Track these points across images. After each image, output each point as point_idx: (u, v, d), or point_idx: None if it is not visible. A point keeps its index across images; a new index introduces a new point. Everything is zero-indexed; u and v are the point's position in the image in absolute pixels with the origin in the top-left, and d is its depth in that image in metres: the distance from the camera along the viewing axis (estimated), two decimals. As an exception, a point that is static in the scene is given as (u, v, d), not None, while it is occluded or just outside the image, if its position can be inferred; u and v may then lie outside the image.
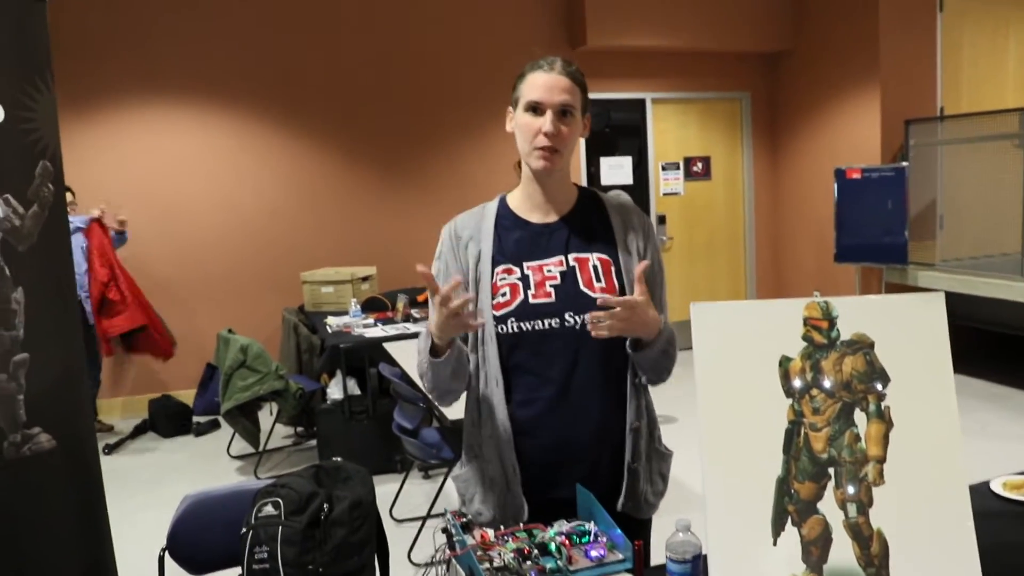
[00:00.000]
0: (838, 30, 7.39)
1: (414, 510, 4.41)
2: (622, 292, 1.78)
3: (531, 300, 1.77)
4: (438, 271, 1.89)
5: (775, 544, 1.49)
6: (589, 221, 1.86)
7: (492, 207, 1.91)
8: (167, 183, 6.62)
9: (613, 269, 1.81)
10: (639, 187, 7.96)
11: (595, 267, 1.80)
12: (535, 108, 1.77)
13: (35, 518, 2.36)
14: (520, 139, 1.80)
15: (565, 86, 1.76)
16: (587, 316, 1.65)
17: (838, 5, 7.36)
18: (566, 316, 1.76)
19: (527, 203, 1.88)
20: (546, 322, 1.76)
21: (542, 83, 1.77)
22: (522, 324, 1.77)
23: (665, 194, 8.15)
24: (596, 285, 1.78)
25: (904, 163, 6.70)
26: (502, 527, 1.63)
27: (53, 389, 2.41)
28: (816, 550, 1.48)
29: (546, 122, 1.75)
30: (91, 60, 6.28)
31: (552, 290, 1.78)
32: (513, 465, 1.80)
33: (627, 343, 1.77)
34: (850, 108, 7.33)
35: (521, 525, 1.58)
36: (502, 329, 1.78)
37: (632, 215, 1.89)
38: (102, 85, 6.40)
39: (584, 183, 6.09)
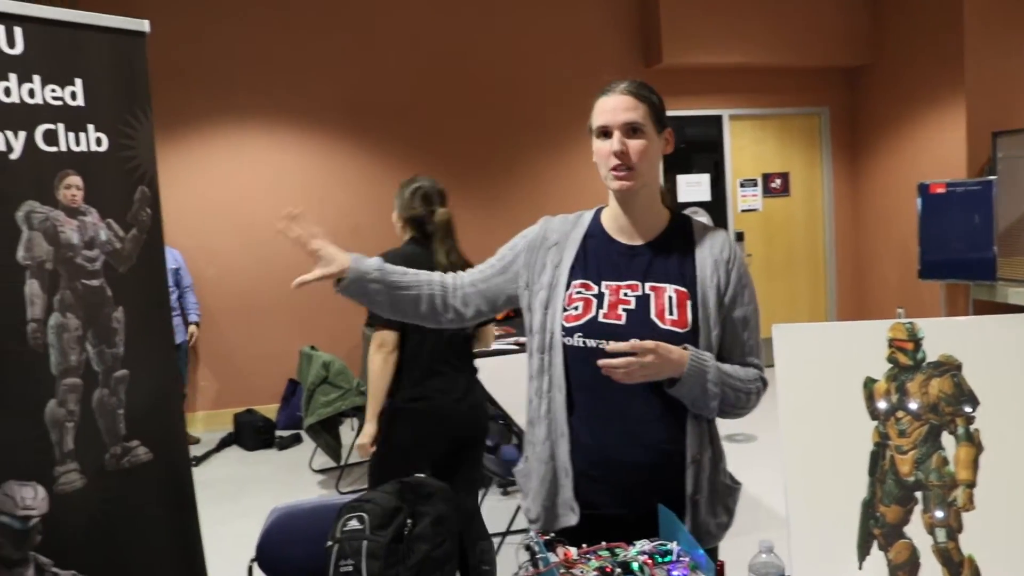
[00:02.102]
0: (920, 43, 7.22)
1: (493, 527, 4.43)
2: (695, 328, 1.77)
3: (601, 319, 1.79)
4: (511, 248, 1.97)
5: (860, 568, 1.48)
6: (673, 251, 1.85)
7: (587, 218, 1.94)
8: (250, 204, 6.82)
9: (689, 303, 1.79)
10: (716, 204, 7.90)
11: (670, 298, 1.79)
12: (604, 132, 1.80)
13: (133, 526, 2.47)
14: (599, 165, 1.83)
15: (628, 104, 1.78)
16: (600, 362, 1.67)
17: (920, 18, 7.20)
18: (632, 341, 1.75)
19: (614, 223, 1.90)
20: (611, 343, 1.77)
21: (606, 107, 1.80)
22: (587, 340, 1.78)
23: (743, 211, 8.07)
24: (667, 317, 1.77)
25: (992, 177, 6.51)
26: (552, 534, 1.67)
27: (150, 404, 2.53)
28: (904, 575, 1.46)
29: (614, 142, 1.78)
30: (178, 89, 6.52)
31: (624, 313, 1.78)
32: (566, 469, 1.81)
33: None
34: (934, 122, 7.15)
35: (604, 544, 1.59)
36: (568, 341, 1.80)
37: (723, 252, 1.85)
38: (188, 112, 6.65)
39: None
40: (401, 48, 7.07)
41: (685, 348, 1.72)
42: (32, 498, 2.19)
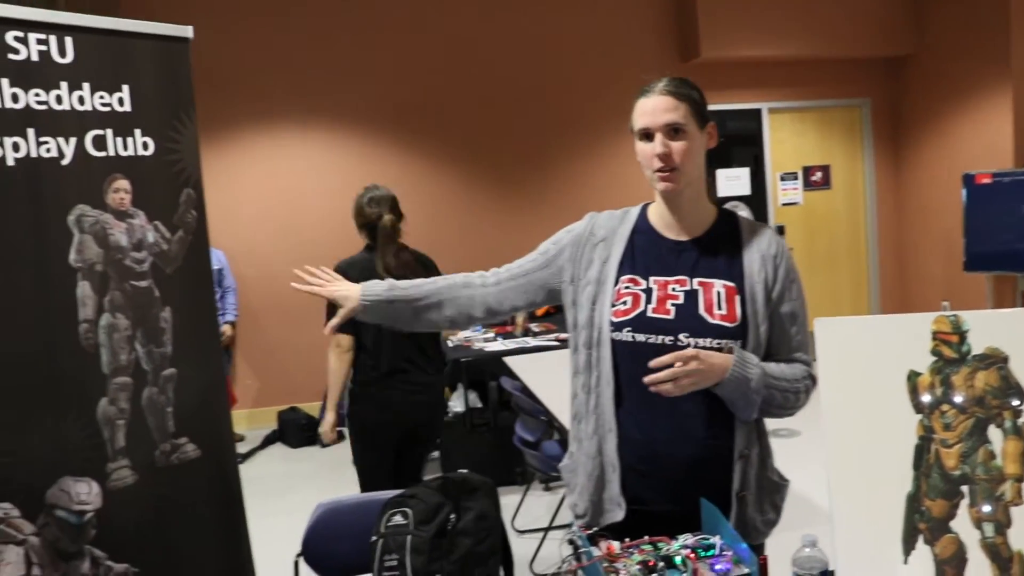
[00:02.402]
0: (964, 31, 7.10)
1: (535, 522, 4.46)
2: (744, 322, 1.77)
3: (649, 313, 1.79)
4: (554, 243, 1.98)
5: (906, 562, 1.47)
6: (721, 246, 1.85)
7: (633, 214, 1.95)
8: (293, 205, 6.91)
9: (738, 298, 1.79)
10: (756, 198, 7.84)
11: (719, 293, 1.79)
12: (646, 135, 1.80)
13: (183, 521, 2.53)
14: (643, 166, 1.84)
15: (668, 105, 1.78)
16: (647, 379, 1.68)
17: (963, 5, 7.07)
18: (680, 336, 1.76)
19: (661, 220, 1.90)
20: (660, 338, 1.77)
21: (647, 109, 1.80)
22: (636, 335, 1.79)
23: (784, 204, 7.99)
24: (716, 312, 1.77)
25: (1040, 166, 6.39)
26: (595, 528, 1.70)
27: (197, 401, 2.58)
28: (951, 570, 1.45)
29: (656, 145, 1.78)
30: (220, 93, 6.62)
31: (672, 308, 1.79)
32: (613, 464, 1.82)
33: None
34: (979, 111, 7.03)
35: (646, 538, 1.59)
36: (616, 336, 1.81)
37: (771, 248, 1.85)
38: (230, 116, 6.75)
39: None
40: (438, 49, 7.11)
41: (731, 351, 1.72)
42: (87, 493, 2.25)
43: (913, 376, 1.52)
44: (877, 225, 8.19)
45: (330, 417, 3.49)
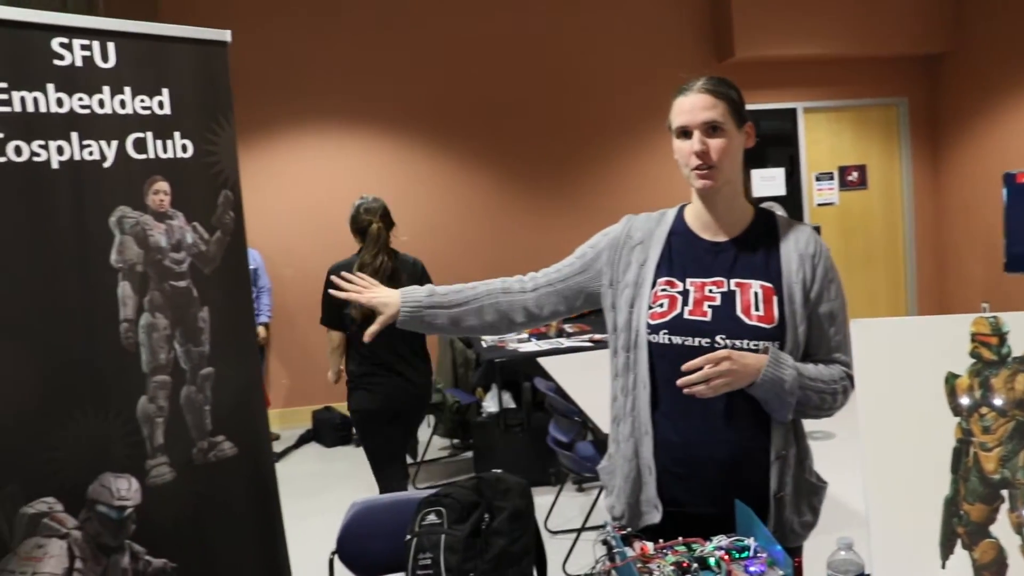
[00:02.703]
0: (1004, 27, 6.98)
1: (568, 522, 4.46)
2: (782, 323, 1.76)
3: (686, 315, 1.79)
4: (591, 247, 1.99)
5: (944, 567, 1.45)
6: (758, 246, 1.84)
7: (670, 216, 1.94)
8: (328, 205, 6.96)
9: (775, 299, 1.78)
10: (792, 198, 7.77)
11: (756, 294, 1.78)
12: (684, 132, 1.80)
13: (220, 518, 2.56)
14: (680, 165, 1.83)
15: (706, 103, 1.78)
16: (680, 382, 1.68)
17: (1002, 2, 6.96)
18: (717, 338, 1.75)
19: (697, 221, 1.90)
20: (697, 340, 1.76)
21: (685, 107, 1.80)
22: (673, 337, 1.79)
23: (819, 204, 7.92)
24: (753, 313, 1.76)
25: (1083, 165, 6.27)
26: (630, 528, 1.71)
27: (235, 400, 2.61)
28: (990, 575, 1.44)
29: (694, 142, 1.78)
30: (257, 96, 6.68)
31: (709, 310, 1.78)
32: (649, 467, 1.82)
33: None
34: (1019, 109, 6.91)
35: (680, 539, 1.59)
36: (654, 338, 1.80)
37: (809, 247, 1.84)
38: (267, 118, 6.82)
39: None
40: (475, 50, 7.14)
41: (766, 351, 1.71)
42: (127, 489, 2.29)
43: (951, 378, 1.50)
44: (915, 225, 8.09)
45: (331, 374, 4.12)
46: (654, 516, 1.82)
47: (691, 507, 1.80)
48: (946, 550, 1.46)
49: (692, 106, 1.79)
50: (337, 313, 3.86)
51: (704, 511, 1.77)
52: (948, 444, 1.48)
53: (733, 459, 1.78)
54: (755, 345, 1.73)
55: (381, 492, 3.97)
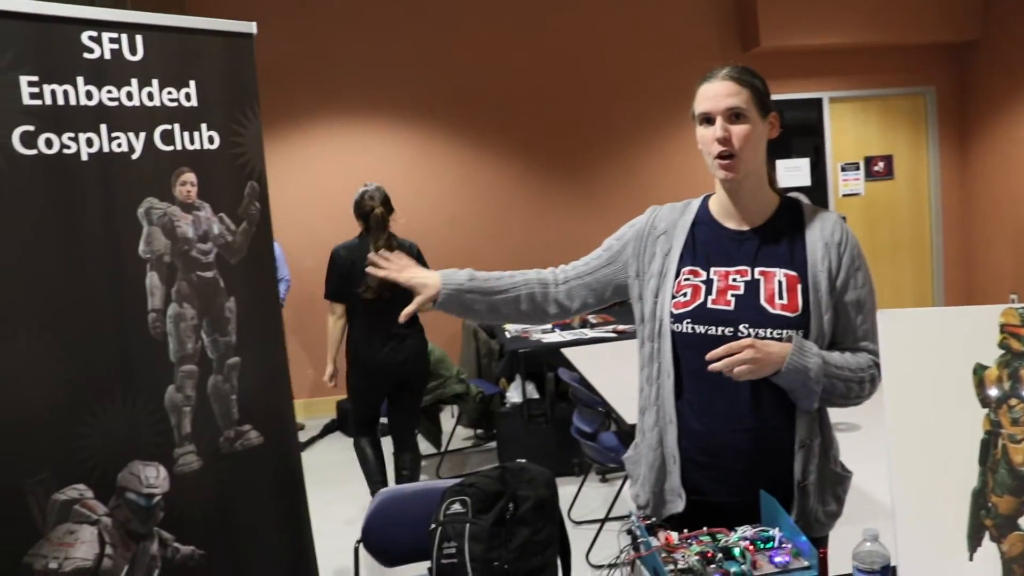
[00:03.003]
0: (1035, 15, 6.88)
1: (592, 512, 4.47)
2: (806, 312, 1.75)
3: (710, 305, 1.78)
4: (617, 239, 1.99)
5: (971, 559, 1.45)
6: (783, 234, 1.83)
7: (694, 205, 1.94)
8: (351, 196, 6.99)
9: (800, 287, 1.77)
10: (817, 189, 7.70)
11: (780, 283, 1.77)
12: (707, 119, 1.79)
13: (246, 507, 2.59)
14: (703, 153, 1.82)
15: (730, 90, 1.77)
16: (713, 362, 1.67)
17: (1034, -12, 6.86)
18: (741, 327, 1.75)
19: (722, 210, 1.89)
20: (720, 329, 1.76)
21: (709, 93, 1.79)
22: (696, 327, 1.78)
23: (844, 195, 7.85)
24: (777, 302, 1.75)
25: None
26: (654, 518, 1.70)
27: (261, 390, 2.64)
28: (1019, 569, 1.43)
29: (716, 129, 1.76)
30: (282, 87, 6.71)
31: (733, 299, 1.78)
32: (674, 456, 1.82)
33: None
34: (1051, 98, 6.82)
35: (705, 529, 1.60)
36: (677, 327, 1.80)
37: (835, 235, 1.82)
38: (292, 110, 6.85)
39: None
40: (498, 41, 7.13)
41: (791, 340, 1.70)
42: (155, 477, 2.32)
43: (980, 369, 1.49)
44: (942, 216, 8.00)
45: (329, 368, 4.37)
46: (678, 505, 1.82)
47: (715, 496, 1.80)
48: (974, 543, 1.45)
49: (715, 93, 1.77)
50: (343, 288, 4.17)
51: (728, 500, 1.77)
52: (976, 436, 1.47)
53: (757, 448, 1.78)
54: (778, 334, 1.73)
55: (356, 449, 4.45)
